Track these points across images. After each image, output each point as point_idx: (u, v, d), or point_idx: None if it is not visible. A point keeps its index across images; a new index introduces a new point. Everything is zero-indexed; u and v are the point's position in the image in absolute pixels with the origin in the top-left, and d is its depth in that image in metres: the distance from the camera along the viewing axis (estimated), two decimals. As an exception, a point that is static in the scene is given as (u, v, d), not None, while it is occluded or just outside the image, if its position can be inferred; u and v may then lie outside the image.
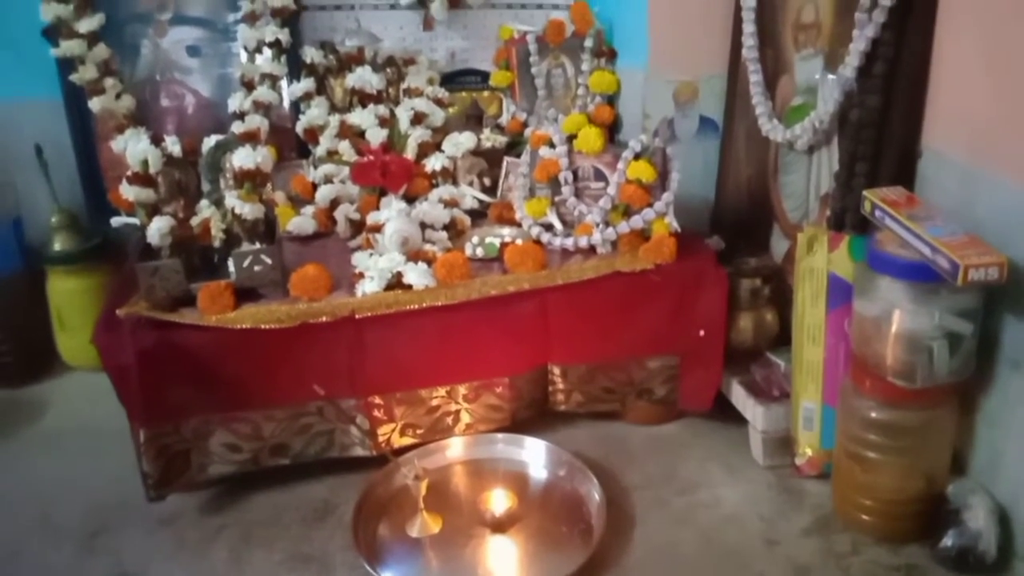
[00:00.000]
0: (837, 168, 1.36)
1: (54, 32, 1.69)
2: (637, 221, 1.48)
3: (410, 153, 1.74)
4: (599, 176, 1.57)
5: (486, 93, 1.99)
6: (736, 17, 1.68)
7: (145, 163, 1.39)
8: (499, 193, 1.77)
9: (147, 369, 1.29)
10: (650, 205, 1.50)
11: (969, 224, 1.11)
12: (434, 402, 1.44)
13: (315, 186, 1.72)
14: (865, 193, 1.21)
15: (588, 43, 1.90)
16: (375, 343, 1.38)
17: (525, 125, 1.91)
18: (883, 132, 1.27)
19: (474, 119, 1.92)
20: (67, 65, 1.71)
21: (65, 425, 1.64)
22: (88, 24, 1.69)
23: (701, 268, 1.48)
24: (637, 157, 1.52)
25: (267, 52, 1.76)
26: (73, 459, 1.52)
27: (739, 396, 1.47)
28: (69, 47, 1.67)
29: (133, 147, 1.38)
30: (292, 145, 1.84)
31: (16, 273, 1.76)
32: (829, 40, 1.42)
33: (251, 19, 1.74)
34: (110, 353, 1.31)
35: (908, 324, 1.10)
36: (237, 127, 1.68)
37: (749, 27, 1.61)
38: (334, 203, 1.67)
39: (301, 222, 1.64)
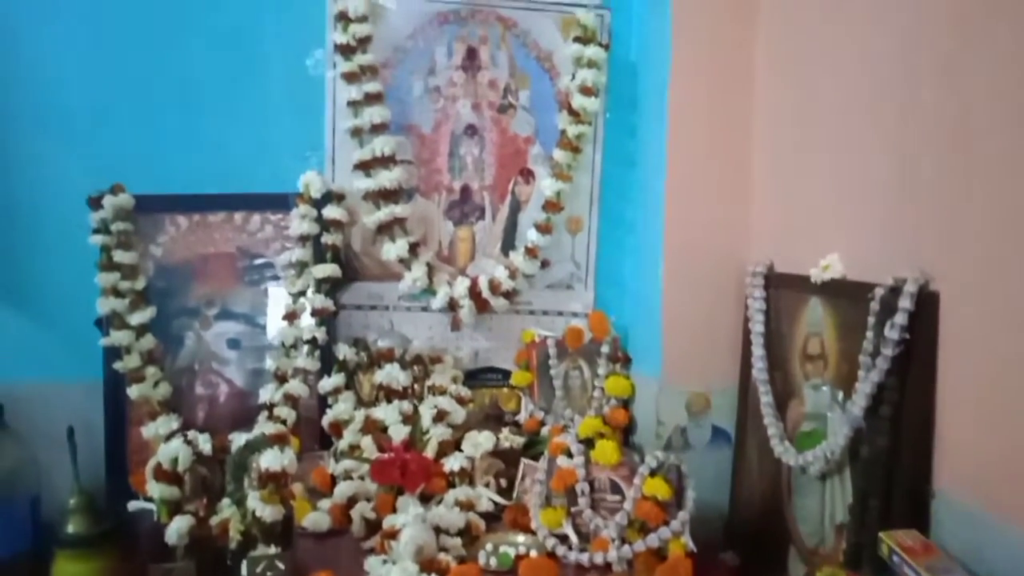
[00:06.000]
0: (851, 501, 1.38)
1: (106, 323, 1.81)
2: (653, 540, 1.48)
3: (430, 451, 1.77)
4: (615, 489, 1.59)
5: (505, 390, 2.07)
6: (745, 337, 1.78)
7: (174, 460, 1.43)
8: (515, 494, 1.78)
9: None
10: (666, 523, 1.51)
11: (984, 573, 1.11)
12: None
13: (334, 479, 1.75)
14: (881, 535, 1.22)
15: (604, 349, 2.01)
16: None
17: (542, 424, 1.97)
18: (893, 471, 1.31)
19: (493, 419, 1.98)
20: (113, 352, 1.81)
21: None
22: (140, 317, 1.81)
23: (718, 593, 1.46)
24: (653, 473, 1.55)
25: (303, 348, 1.86)
26: None
27: None
28: (118, 338, 1.78)
29: (166, 444, 1.43)
30: (316, 436, 1.89)
31: (23, 553, 1.75)
32: (835, 373, 1.50)
33: (291, 318, 1.87)
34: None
35: None
36: (265, 425, 1.74)
37: (758, 350, 1.70)
38: (351, 500, 1.68)
39: (317, 518, 1.64)
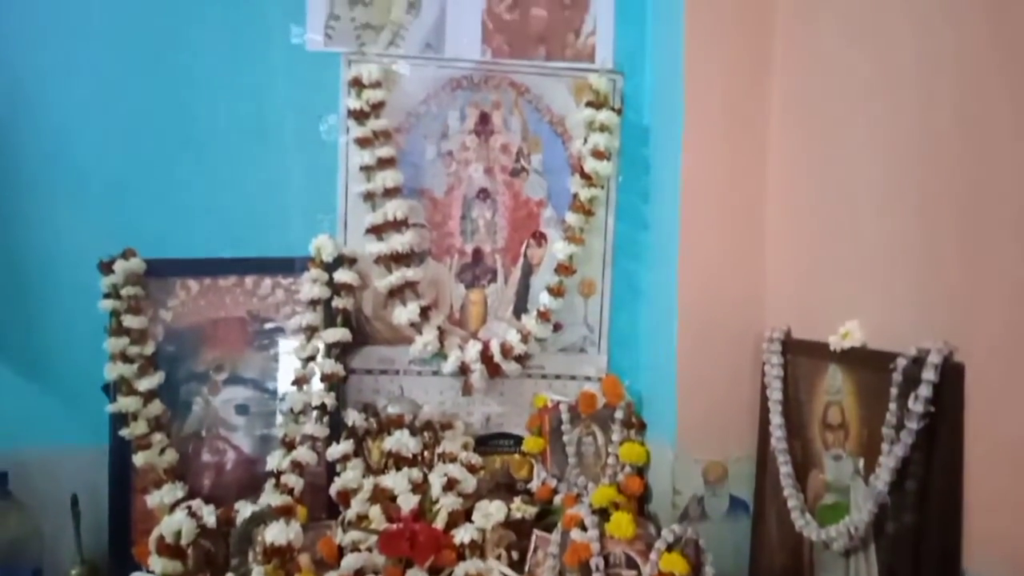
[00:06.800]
0: (877, 579, 1.33)
1: (114, 388, 1.79)
2: (670, 618, 1.43)
3: (440, 522, 1.73)
4: (631, 563, 1.54)
5: (517, 456, 2.03)
6: (763, 405, 1.74)
7: (177, 534, 1.40)
8: (527, 568, 1.72)
9: None
10: (684, 600, 1.45)
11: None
12: None
13: (341, 550, 1.70)
14: (910, 620, 1.17)
15: (618, 415, 1.96)
16: None
17: (555, 492, 1.92)
18: (921, 549, 1.26)
19: (504, 487, 1.93)
20: (119, 419, 1.78)
21: None
22: (148, 383, 1.79)
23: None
24: (670, 548, 1.50)
25: (312, 414, 1.83)
26: None
27: None
28: (126, 404, 1.76)
29: (169, 517, 1.40)
30: (323, 505, 1.84)
31: (20, 631, 1.71)
32: (856, 443, 1.46)
33: (300, 383, 1.84)
34: None
35: None
36: (272, 494, 1.70)
37: (776, 419, 1.66)
38: (359, 573, 1.63)
39: (323, 593, 1.60)
